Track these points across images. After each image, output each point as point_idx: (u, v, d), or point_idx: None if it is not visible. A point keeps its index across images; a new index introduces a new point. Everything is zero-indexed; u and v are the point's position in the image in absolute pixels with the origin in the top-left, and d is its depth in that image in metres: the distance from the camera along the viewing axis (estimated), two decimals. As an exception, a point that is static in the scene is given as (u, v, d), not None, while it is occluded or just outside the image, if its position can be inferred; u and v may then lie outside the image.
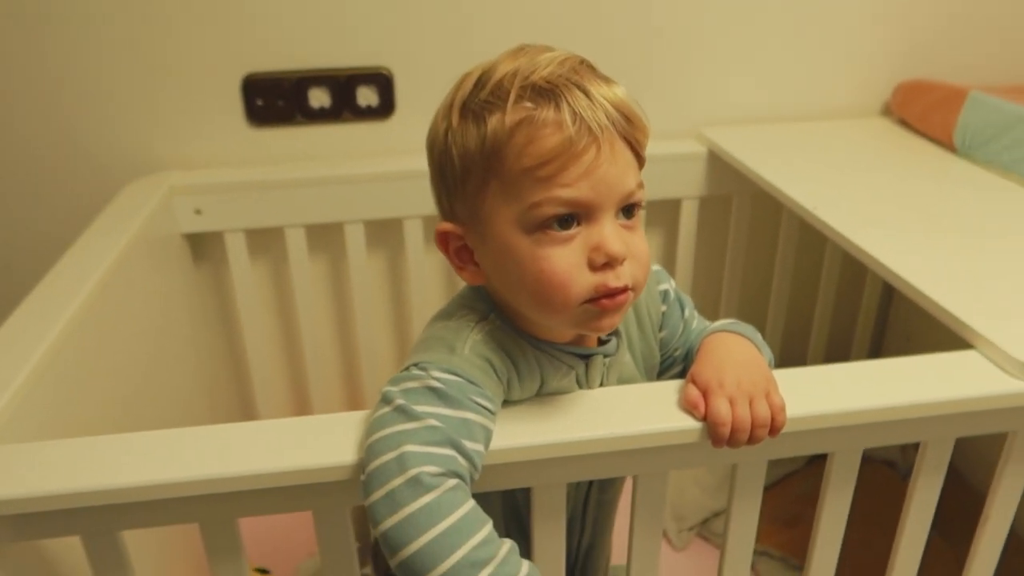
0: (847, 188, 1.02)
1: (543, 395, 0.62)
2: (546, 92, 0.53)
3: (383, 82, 1.16)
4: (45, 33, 1.07)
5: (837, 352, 1.42)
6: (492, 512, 0.67)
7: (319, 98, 1.16)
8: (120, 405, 0.88)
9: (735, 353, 0.62)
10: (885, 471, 1.27)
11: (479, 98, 0.54)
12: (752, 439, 0.58)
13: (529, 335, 0.60)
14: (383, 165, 1.17)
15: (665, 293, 0.69)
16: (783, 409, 0.58)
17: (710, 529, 1.21)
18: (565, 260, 0.54)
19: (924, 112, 1.18)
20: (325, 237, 1.22)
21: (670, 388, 0.62)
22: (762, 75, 1.26)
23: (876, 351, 1.47)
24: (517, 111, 0.53)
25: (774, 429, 0.58)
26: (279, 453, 0.57)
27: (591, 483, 0.69)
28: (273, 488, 0.57)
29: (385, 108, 1.17)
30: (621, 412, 0.60)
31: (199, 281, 1.22)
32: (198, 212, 1.14)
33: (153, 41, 1.09)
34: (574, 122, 0.52)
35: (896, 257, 0.81)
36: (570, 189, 0.52)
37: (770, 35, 1.23)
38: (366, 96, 1.16)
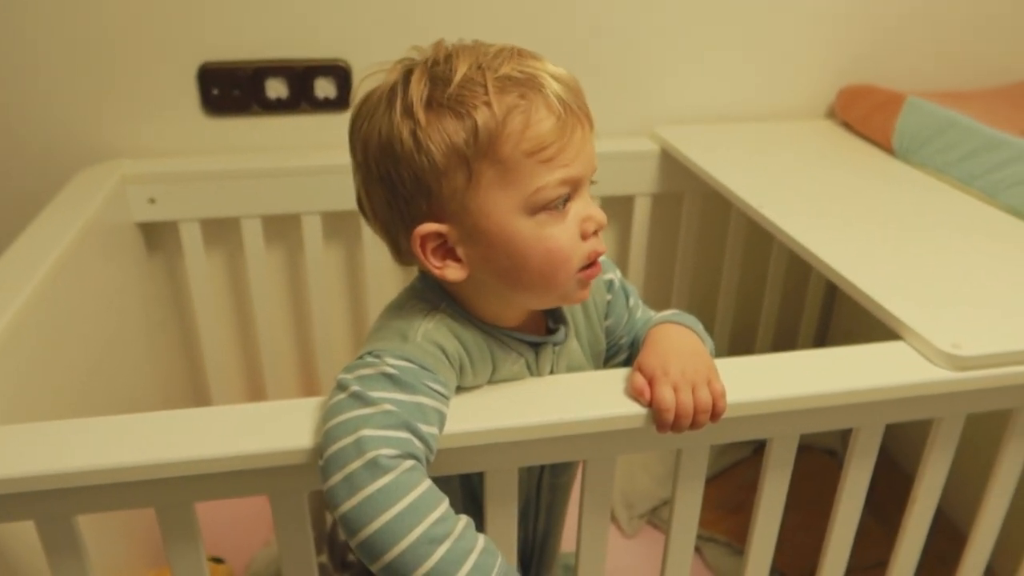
0: (791, 187, 1.06)
1: (495, 382, 0.64)
2: (524, 81, 0.55)
3: (341, 74, 1.16)
4: (-6, 17, 1.05)
5: (783, 346, 1.47)
6: (451, 495, 0.70)
7: (276, 89, 1.16)
8: (74, 395, 0.87)
9: (679, 343, 0.65)
10: (825, 459, 1.32)
11: (449, 93, 0.55)
12: (695, 424, 0.61)
13: (480, 321, 0.62)
14: (341, 157, 1.14)
15: (610, 283, 0.72)
16: (724, 395, 0.61)
17: (660, 516, 1.25)
18: (567, 235, 0.59)
19: (865, 115, 1.23)
20: (282, 228, 1.22)
21: (617, 376, 0.65)
22: (714, 76, 1.30)
23: (820, 345, 1.52)
24: (504, 100, 0.55)
25: (715, 415, 0.61)
26: (235, 437, 0.58)
27: (543, 468, 0.71)
28: (229, 472, 0.58)
29: (343, 100, 1.18)
30: (570, 398, 0.63)
31: (153, 271, 1.21)
32: (152, 201, 1.14)
33: (105, 26, 1.08)
34: (561, 105, 0.56)
35: (834, 253, 0.85)
36: (569, 168, 0.57)
37: (722, 38, 1.27)
38: (324, 88, 1.17)
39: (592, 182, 0.61)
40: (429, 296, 0.63)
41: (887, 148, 1.18)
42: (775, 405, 0.65)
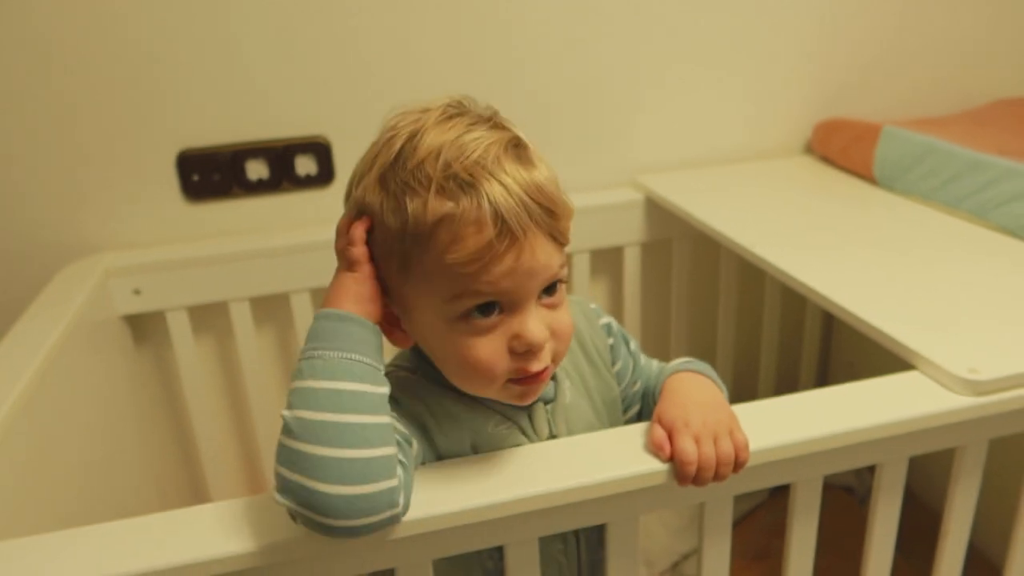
0: (781, 224, 1.06)
1: (482, 447, 0.62)
2: (467, 185, 0.52)
3: (321, 151, 1.16)
4: (-32, 121, 1.05)
5: (786, 384, 1.46)
6: None
7: (257, 170, 1.15)
8: (70, 495, 0.84)
9: (697, 393, 0.63)
10: (843, 497, 1.29)
11: (400, 176, 0.54)
12: (717, 476, 0.59)
13: (454, 387, 0.61)
14: (326, 233, 1.14)
15: (608, 326, 0.71)
16: (747, 446, 0.59)
17: (681, 572, 1.21)
18: (487, 348, 0.55)
19: (843, 148, 1.24)
20: (271, 309, 1.20)
21: (634, 432, 0.63)
22: (691, 122, 1.31)
23: (822, 380, 1.51)
24: (439, 204, 0.52)
25: (738, 466, 0.59)
26: (237, 535, 0.55)
27: (579, 543, 0.69)
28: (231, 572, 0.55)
29: (324, 176, 1.18)
30: (587, 459, 0.60)
31: (141, 363, 1.18)
32: (137, 292, 1.12)
33: (83, 118, 1.08)
34: (495, 223, 0.52)
35: (834, 287, 0.84)
36: (492, 284, 0.54)
37: (695, 83, 1.29)
38: (305, 165, 1.17)
39: (555, 283, 0.57)
40: (409, 360, 0.64)
41: (869, 178, 1.19)
42: (797, 449, 0.63)
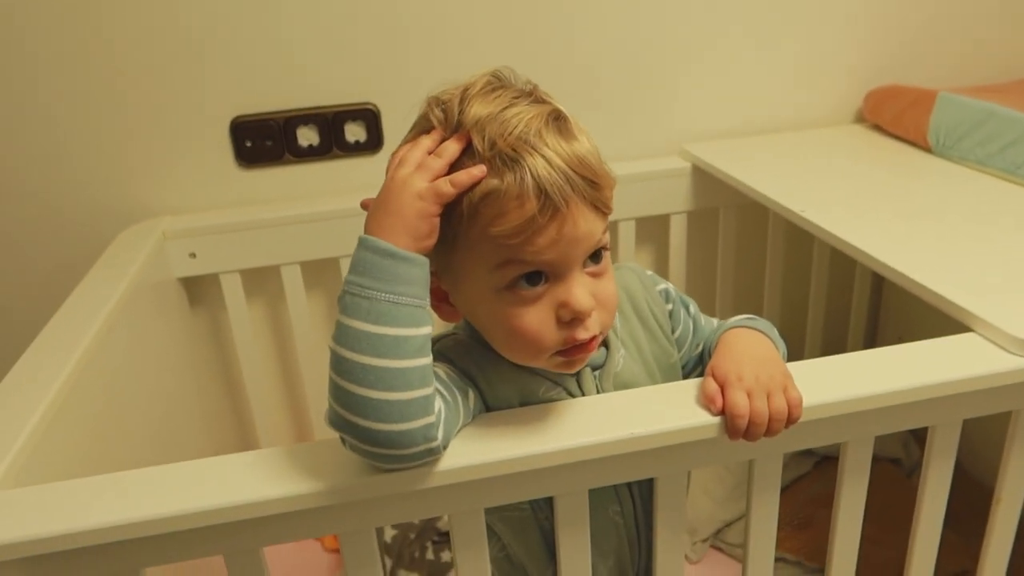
0: (832, 191, 1.05)
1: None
2: (510, 160, 0.53)
3: (370, 117, 1.18)
4: (30, 84, 1.08)
5: (834, 351, 1.43)
6: (530, 546, 0.68)
7: (307, 136, 1.17)
8: (131, 452, 0.87)
9: (753, 348, 0.63)
10: (890, 469, 1.28)
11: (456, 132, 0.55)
12: (769, 432, 0.59)
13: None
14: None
15: (666, 292, 0.71)
16: (800, 403, 0.59)
17: (724, 539, 1.21)
18: (534, 317, 0.56)
19: (896, 115, 1.21)
20: (320, 273, 1.23)
21: (687, 386, 0.63)
22: (739, 90, 1.30)
23: (871, 347, 1.48)
24: (484, 181, 0.53)
25: (790, 422, 0.59)
26: (299, 479, 0.57)
27: (635, 505, 0.70)
28: (294, 512, 0.57)
29: (373, 143, 1.19)
30: (637, 411, 0.61)
31: (197, 325, 1.22)
32: (192, 256, 1.15)
33: (139, 89, 1.11)
34: (538, 196, 0.52)
35: (888, 251, 0.83)
36: (536, 255, 0.54)
37: (744, 50, 1.27)
38: (354, 132, 1.18)
39: (599, 251, 0.57)
40: (462, 328, 0.65)
41: (923, 146, 1.16)
42: (849, 406, 0.63)
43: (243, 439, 1.30)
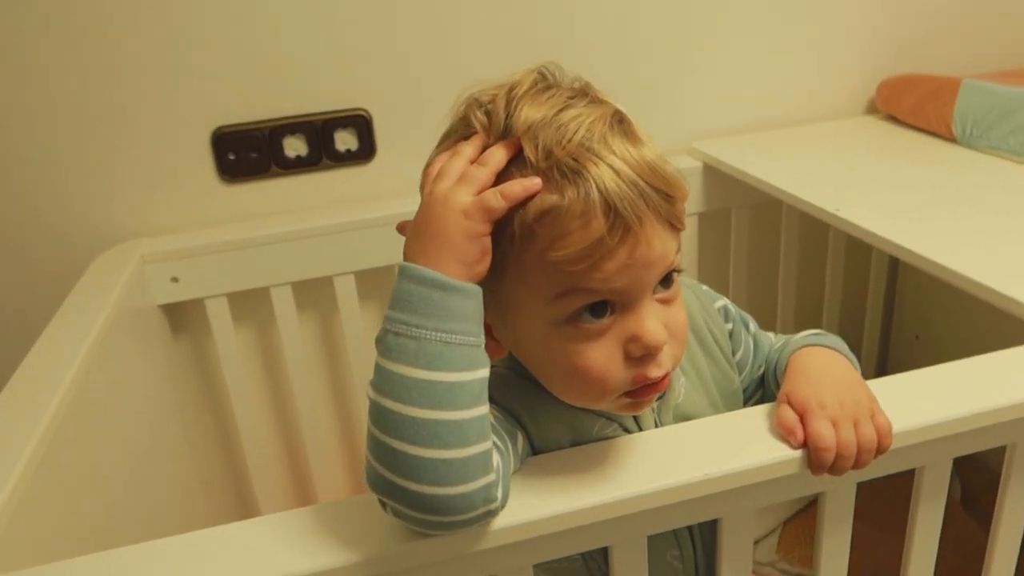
0: (861, 186, 0.99)
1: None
2: (570, 171, 0.45)
3: (362, 124, 1.10)
4: (-9, 103, 0.99)
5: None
6: None
7: (295, 147, 1.09)
8: (116, 489, 0.79)
9: (832, 370, 0.56)
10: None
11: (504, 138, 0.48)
12: (857, 464, 0.52)
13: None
14: (370, 211, 1.10)
15: (725, 310, 0.64)
16: (890, 431, 0.53)
17: (753, 559, 1.14)
18: (600, 354, 0.48)
19: (916, 106, 1.16)
20: (314, 293, 1.14)
21: (757, 414, 0.56)
22: (745, 85, 1.24)
23: (884, 352, 1.44)
24: (540, 196, 0.46)
25: (880, 451, 0.53)
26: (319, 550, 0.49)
27: (695, 548, 0.63)
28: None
29: (366, 151, 1.11)
30: (707, 447, 0.54)
31: (181, 354, 1.13)
32: (175, 280, 1.06)
33: (111, 100, 1.02)
34: (606, 213, 0.45)
35: (943, 252, 0.77)
36: (604, 282, 0.47)
37: (750, 44, 1.21)
38: (345, 140, 1.10)
39: (670, 273, 0.50)
40: (503, 360, 0.57)
41: (947, 136, 1.11)
42: (936, 431, 0.56)
43: (233, 474, 1.21)
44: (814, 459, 0.52)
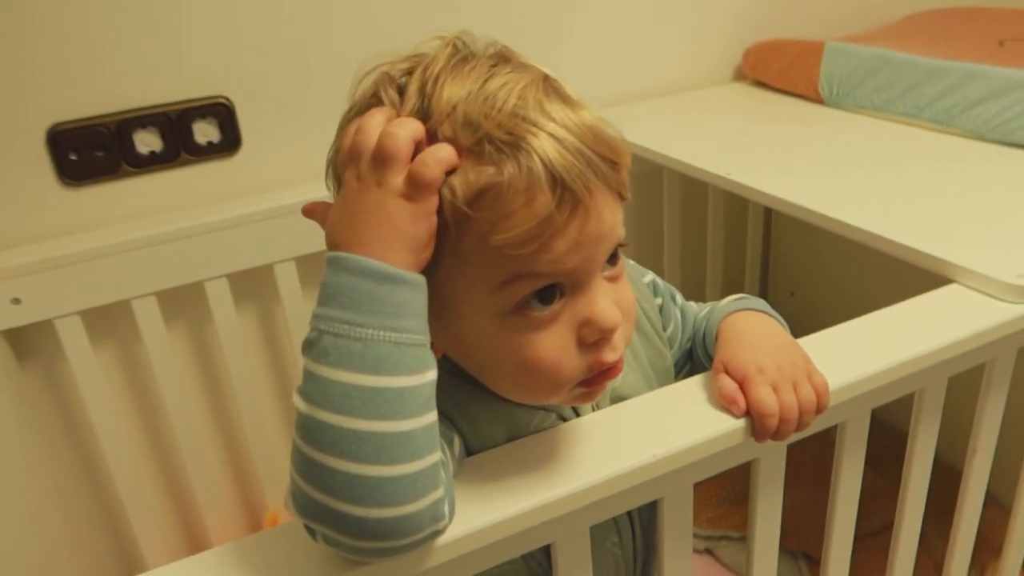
0: (739, 149, 1.00)
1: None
2: (508, 144, 0.41)
3: (223, 113, 1.00)
4: None
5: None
6: None
7: (148, 141, 0.98)
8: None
9: (765, 334, 0.55)
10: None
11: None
12: (800, 426, 0.51)
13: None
14: (241, 207, 1.01)
15: (654, 285, 0.61)
16: (827, 389, 0.52)
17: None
18: (552, 344, 0.44)
19: (783, 70, 1.19)
20: (183, 302, 1.03)
21: (692, 388, 0.54)
22: (616, 58, 1.23)
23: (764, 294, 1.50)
24: (475, 174, 0.41)
25: (819, 411, 0.52)
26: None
27: (634, 532, 0.60)
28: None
29: (230, 142, 1.01)
30: (649, 428, 0.52)
31: (29, 385, 0.99)
32: (16, 302, 0.92)
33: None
34: (554, 189, 0.41)
35: (824, 205, 0.78)
36: (554, 263, 0.42)
37: (619, 19, 1.20)
38: (205, 132, 1.00)
39: (615, 256, 0.47)
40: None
41: (814, 98, 1.15)
42: (855, 388, 0.57)
43: (104, 512, 1.09)
44: (758, 426, 0.51)
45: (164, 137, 0.98)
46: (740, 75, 1.32)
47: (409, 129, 0.41)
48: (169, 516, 1.13)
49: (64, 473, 1.02)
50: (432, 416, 0.40)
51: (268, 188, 1.03)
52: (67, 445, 1.03)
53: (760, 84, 1.26)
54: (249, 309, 1.09)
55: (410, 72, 0.44)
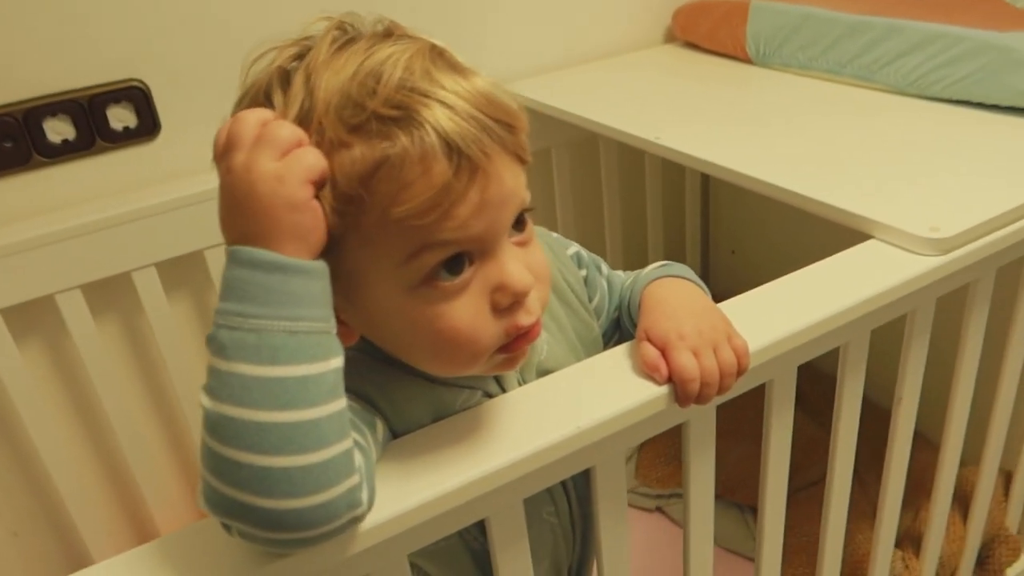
0: (670, 112, 1.00)
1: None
2: (398, 118, 0.40)
3: (139, 97, 0.96)
4: None
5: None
6: (463, 574, 0.57)
7: (59, 130, 0.94)
8: None
9: (685, 299, 0.55)
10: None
11: (308, 124, 0.42)
12: (722, 389, 0.52)
13: (410, 366, 0.50)
14: (164, 193, 0.98)
15: (578, 256, 0.61)
16: (747, 351, 0.53)
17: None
18: (465, 312, 0.44)
19: (711, 31, 1.19)
20: (111, 294, 1.00)
21: (617, 357, 0.55)
22: (548, 22, 1.22)
23: (706, 271, 1.51)
24: (365, 150, 0.40)
25: (740, 373, 0.53)
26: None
27: (570, 501, 0.60)
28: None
29: (147, 127, 0.98)
30: (574, 399, 0.52)
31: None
32: (-72, 304, 0.89)
33: None
34: (449, 156, 0.41)
35: (760, 169, 0.79)
36: (459, 231, 0.42)
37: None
38: (120, 117, 0.96)
39: (523, 215, 0.47)
40: (357, 342, 0.51)
41: (743, 58, 1.15)
42: (785, 344, 0.58)
43: (51, 522, 1.06)
44: (680, 392, 0.51)
45: (77, 124, 0.94)
46: (671, 37, 1.31)
47: (258, 115, 0.41)
48: (115, 510, 1.11)
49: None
50: (340, 403, 0.40)
51: (194, 171, 1.00)
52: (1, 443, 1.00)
53: (690, 45, 1.26)
54: (181, 298, 1.06)
55: (300, 57, 0.44)
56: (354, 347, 0.50)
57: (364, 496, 0.41)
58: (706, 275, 1.52)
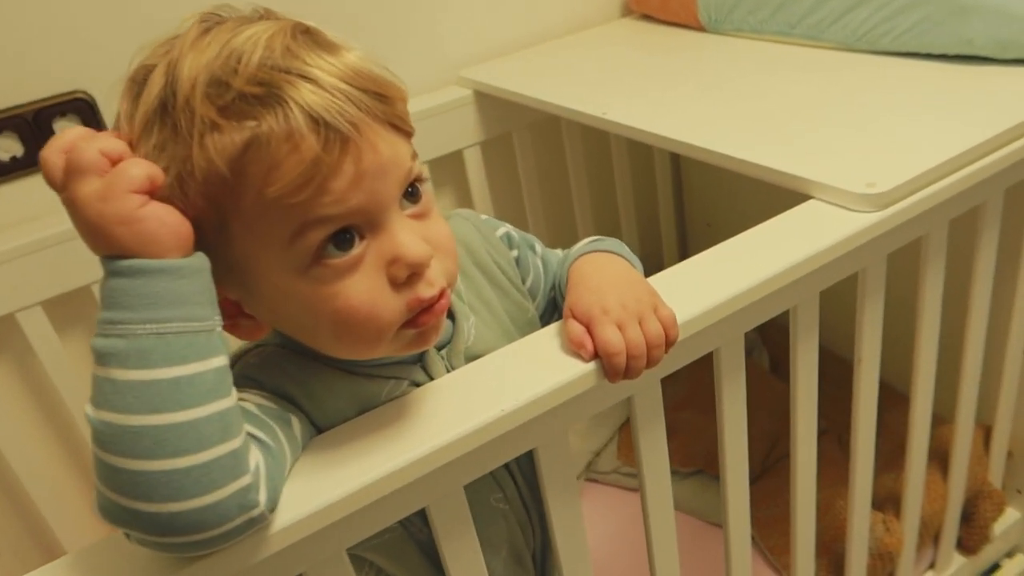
0: (625, 86, 0.99)
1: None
2: (261, 96, 0.40)
3: (85, 109, 0.96)
4: None
5: (652, 259, 1.43)
6: (411, 566, 0.57)
7: (6, 147, 0.93)
8: None
9: (610, 273, 0.55)
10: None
11: (170, 124, 0.41)
12: (650, 361, 0.51)
13: (331, 358, 0.49)
14: None
15: (508, 237, 0.61)
16: (675, 321, 0.52)
17: (596, 469, 1.17)
18: (361, 289, 0.44)
19: (663, 1, 1.17)
20: (75, 306, 1.00)
21: (544, 336, 0.54)
22: (503, 3, 1.20)
23: (683, 246, 1.50)
24: (233, 131, 0.40)
25: (669, 344, 0.52)
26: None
27: (518, 486, 0.60)
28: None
29: (96, 138, 0.97)
30: (500, 381, 0.51)
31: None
32: None
33: None
34: (316, 131, 0.40)
35: (705, 137, 0.78)
36: (338, 203, 0.42)
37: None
38: (67, 129, 0.96)
39: (414, 184, 0.46)
40: (277, 336, 0.51)
41: (696, 26, 1.13)
42: (723, 310, 0.57)
43: (33, 534, 1.07)
44: (607, 366, 0.50)
45: (24, 140, 0.94)
46: (627, 10, 1.30)
47: (60, 144, 0.41)
48: (94, 522, 1.11)
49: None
50: (225, 403, 0.39)
51: (148, 181, 0.99)
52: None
53: (647, 17, 1.25)
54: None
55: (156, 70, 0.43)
56: (273, 342, 0.50)
57: (261, 497, 0.40)
58: (684, 250, 1.51)
